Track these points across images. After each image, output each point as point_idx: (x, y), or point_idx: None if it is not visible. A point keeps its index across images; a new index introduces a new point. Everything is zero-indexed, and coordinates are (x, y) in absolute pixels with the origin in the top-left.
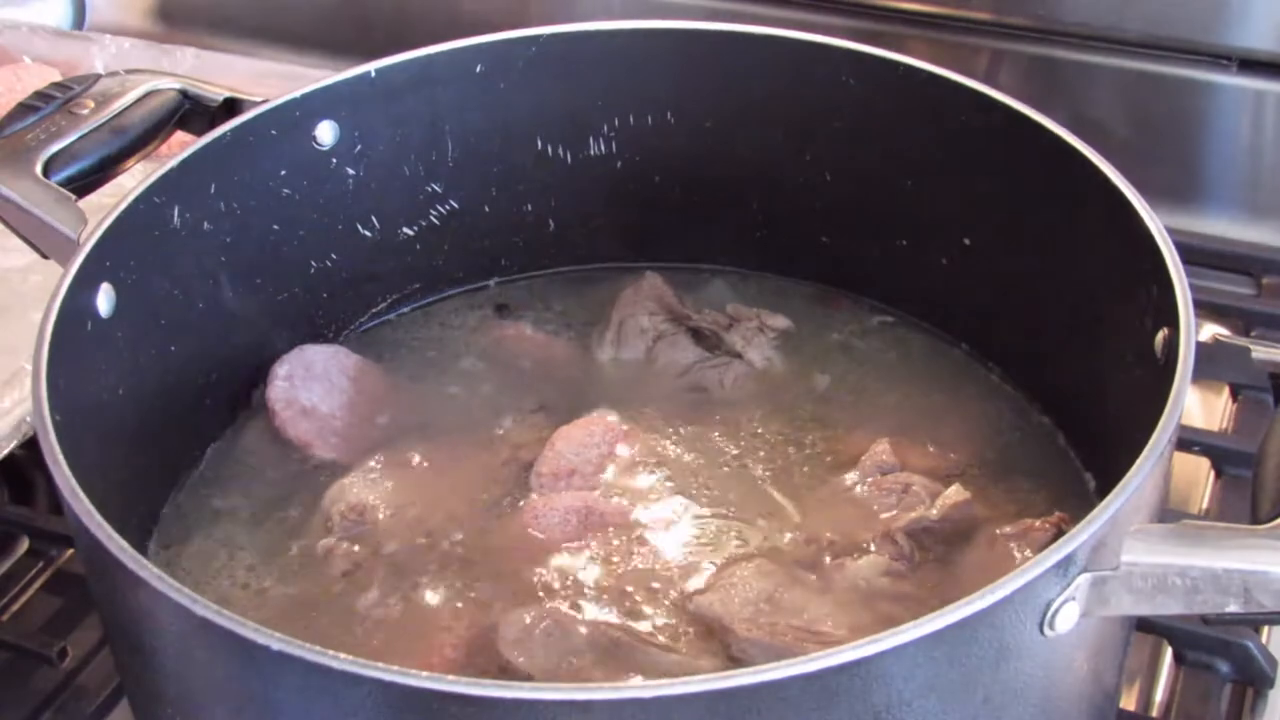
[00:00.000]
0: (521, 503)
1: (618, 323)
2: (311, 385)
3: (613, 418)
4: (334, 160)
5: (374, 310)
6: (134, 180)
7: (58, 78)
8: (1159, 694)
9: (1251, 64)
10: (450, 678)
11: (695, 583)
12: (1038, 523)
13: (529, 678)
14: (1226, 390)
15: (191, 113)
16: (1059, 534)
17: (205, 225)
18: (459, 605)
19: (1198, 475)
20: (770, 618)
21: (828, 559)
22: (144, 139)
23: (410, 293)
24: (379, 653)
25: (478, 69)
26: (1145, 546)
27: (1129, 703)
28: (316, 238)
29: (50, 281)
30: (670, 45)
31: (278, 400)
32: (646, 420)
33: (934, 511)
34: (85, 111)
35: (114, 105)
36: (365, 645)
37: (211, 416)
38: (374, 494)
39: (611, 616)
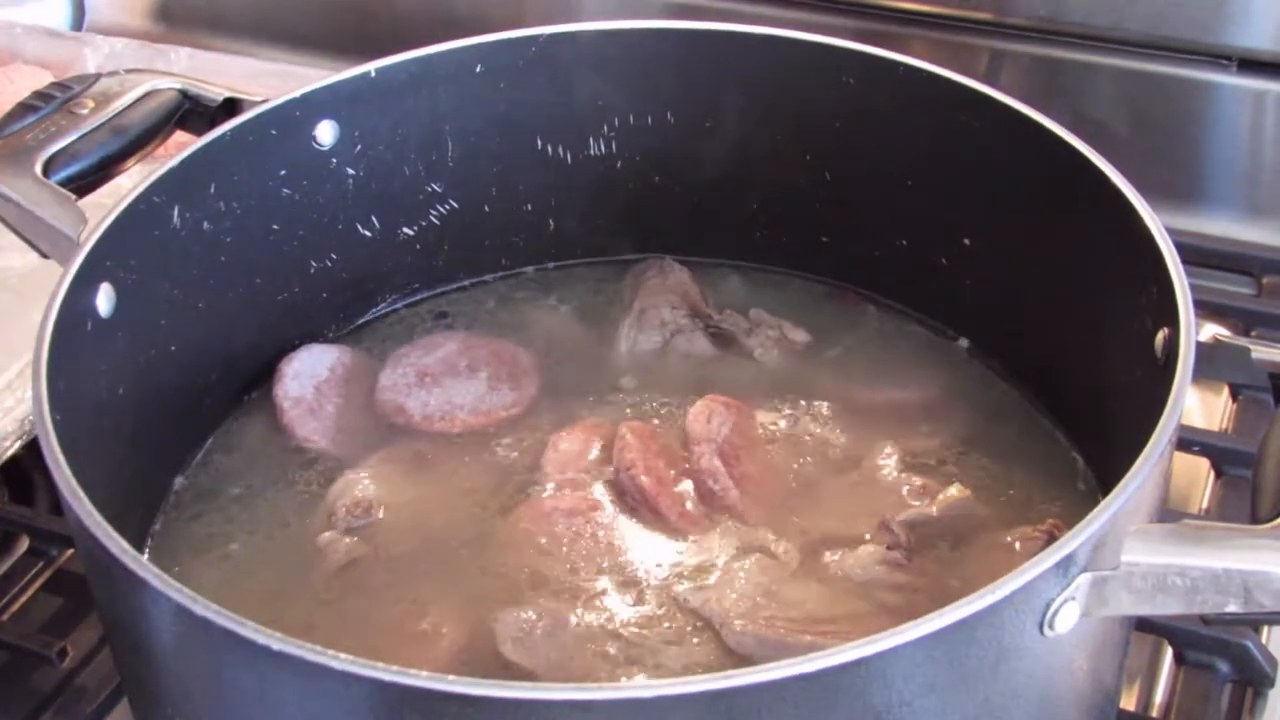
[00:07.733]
0: (524, 501)
1: (639, 310)
2: (319, 383)
3: (610, 421)
4: (334, 160)
5: (374, 310)
6: (133, 180)
7: (51, 78)
8: (1159, 694)
9: (1251, 64)
10: (450, 678)
11: (694, 580)
12: (1030, 530)
13: (529, 676)
14: (1226, 390)
15: (191, 113)
16: (1051, 540)
17: (205, 225)
18: (460, 603)
19: (1198, 475)
20: (767, 612)
21: (826, 553)
22: (144, 139)
23: (410, 292)
24: (379, 651)
25: (478, 69)
26: (1145, 546)
27: (1129, 703)
28: (316, 238)
29: (50, 281)
30: (670, 45)
31: (286, 398)
32: (649, 420)
33: (934, 509)
34: (85, 111)
35: (114, 105)
36: (364, 643)
37: (211, 416)
38: (377, 490)
39: (612, 615)
